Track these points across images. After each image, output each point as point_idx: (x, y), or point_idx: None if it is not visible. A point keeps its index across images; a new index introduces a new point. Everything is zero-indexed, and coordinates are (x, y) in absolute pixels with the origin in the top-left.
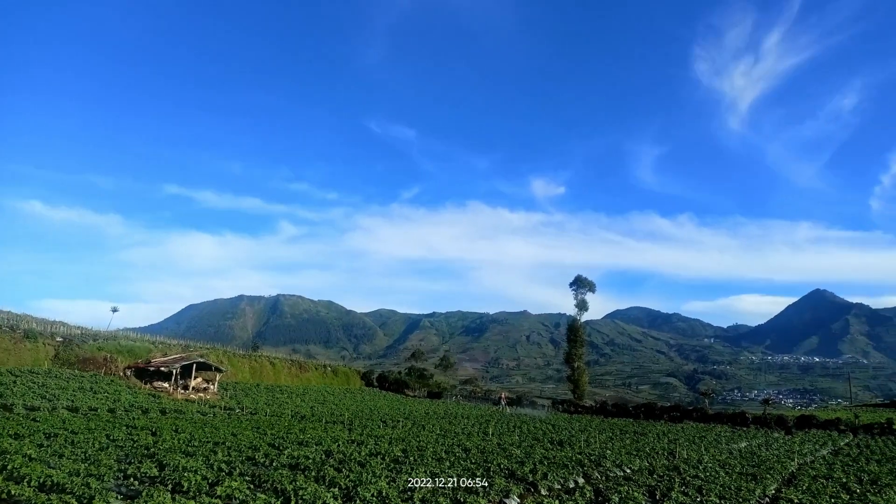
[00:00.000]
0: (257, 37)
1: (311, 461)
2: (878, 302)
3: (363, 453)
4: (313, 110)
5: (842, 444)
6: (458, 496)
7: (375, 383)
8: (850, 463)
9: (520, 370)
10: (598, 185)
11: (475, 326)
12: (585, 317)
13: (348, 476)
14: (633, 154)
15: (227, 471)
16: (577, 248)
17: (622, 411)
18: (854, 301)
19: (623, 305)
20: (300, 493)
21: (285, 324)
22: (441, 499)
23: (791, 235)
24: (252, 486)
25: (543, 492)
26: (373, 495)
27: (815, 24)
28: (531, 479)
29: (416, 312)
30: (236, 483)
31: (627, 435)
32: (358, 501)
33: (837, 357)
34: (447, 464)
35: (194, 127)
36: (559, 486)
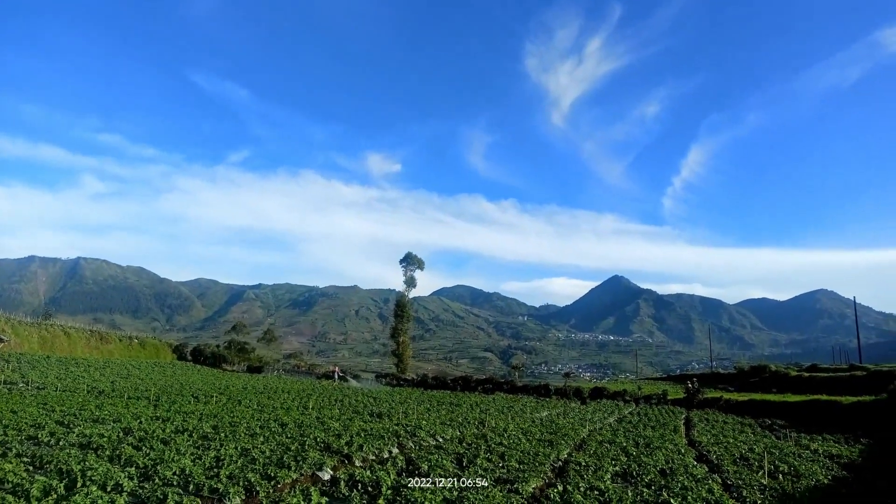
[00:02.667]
0: None
1: (106, 439)
2: (663, 289)
3: (168, 430)
4: (130, 56)
5: (626, 412)
6: (269, 471)
7: (189, 357)
8: (631, 429)
9: (347, 344)
10: (433, 166)
11: (303, 300)
12: (413, 293)
13: (148, 454)
14: (467, 139)
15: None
16: (410, 226)
17: (441, 384)
18: (644, 287)
19: (449, 283)
20: (89, 473)
21: (86, 290)
22: (250, 474)
23: (597, 226)
24: (32, 468)
25: (358, 463)
26: (174, 473)
27: (631, 36)
28: (346, 452)
29: (240, 283)
30: (10, 465)
31: (444, 406)
32: (157, 480)
33: (629, 336)
34: (261, 439)
35: None
36: (374, 457)
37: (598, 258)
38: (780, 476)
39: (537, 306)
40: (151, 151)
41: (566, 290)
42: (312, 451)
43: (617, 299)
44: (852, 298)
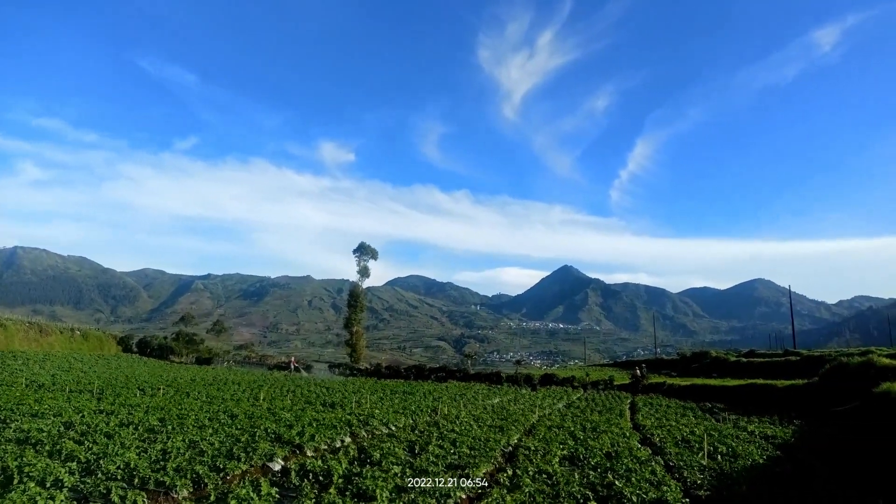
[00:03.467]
0: None
1: (45, 434)
2: (610, 278)
3: (112, 424)
4: (70, 37)
5: (574, 398)
6: (218, 462)
7: (135, 349)
8: (579, 414)
9: (300, 335)
10: (387, 156)
11: (255, 290)
12: (367, 283)
13: (91, 449)
14: (421, 129)
15: None
16: (364, 216)
17: (395, 373)
18: (593, 276)
19: (403, 273)
20: (27, 469)
21: (24, 281)
22: (198, 466)
23: (547, 216)
24: None
25: (310, 453)
26: (118, 467)
27: (580, 30)
28: (298, 442)
29: (189, 274)
30: None
31: (397, 395)
32: (100, 475)
33: (577, 324)
34: (210, 431)
35: None
36: (326, 447)
37: (548, 248)
38: (719, 457)
39: (490, 296)
40: (94, 137)
41: (518, 280)
42: (263, 442)
43: (566, 288)
44: (787, 287)
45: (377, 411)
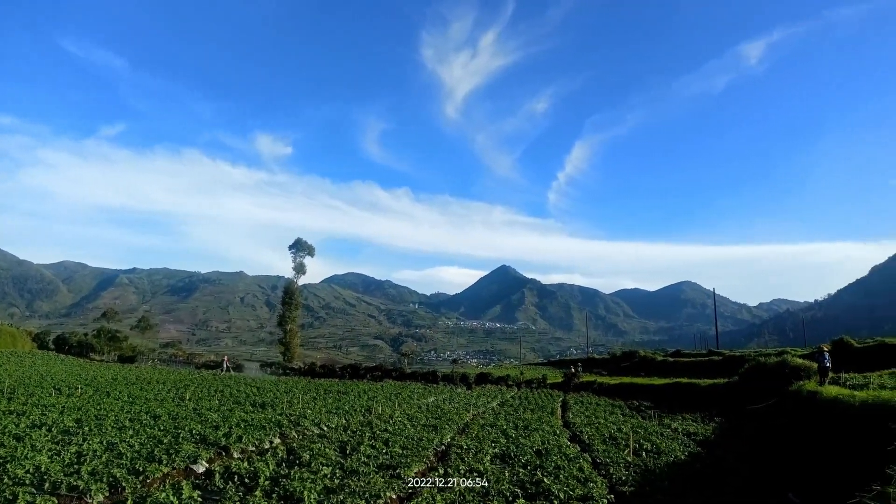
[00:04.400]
0: None
1: None
2: (547, 278)
3: (23, 425)
4: None
5: (508, 396)
6: (138, 465)
7: (52, 346)
8: (512, 412)
9: (231, 333)
10: (328, 150)
11: (183, 286)
12: (303, 280)
13: None
14: (362, 125)
15: None
16: (301, 212)
17: (330, 372)
18: (530, 277)
19: (341, 271)
20: None
21: None
22: (116, 469)
23: (489, 217)
24: None
25: (236, 455)
26: (27, 471)
27: (523, 32)
28: (224, 444)
29: (112, 267)
30: None
31: (331, 394)
32: (6, 479)
33: (514, 323)
34: (130, 432)
35: None
36: (254, 448)
37: (488, 248)
38: (644, 453)
39: (429, 294)
40: (11, 120)
41: (457, 279)
42: (187, 443)
43: (504, 288)
44: (712, 290)
45: (309, 411)
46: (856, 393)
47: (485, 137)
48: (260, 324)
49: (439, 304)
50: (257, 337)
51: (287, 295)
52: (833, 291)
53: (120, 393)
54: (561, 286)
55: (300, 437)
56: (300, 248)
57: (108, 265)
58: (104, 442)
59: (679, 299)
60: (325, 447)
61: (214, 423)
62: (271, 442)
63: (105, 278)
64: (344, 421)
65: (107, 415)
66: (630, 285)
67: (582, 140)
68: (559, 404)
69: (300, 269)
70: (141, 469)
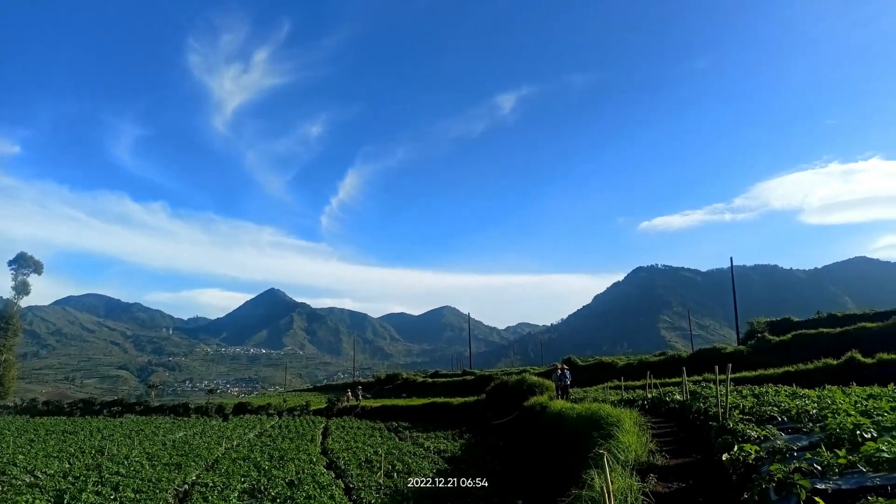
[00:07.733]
0: None
1: None
2: (317, 302)
3: None
4: None
5: (268, 426)
6: None
7: None
8: (269, 443)
9: None
10: (67, 153)
11: None
12: (27, 301)
13: None
14: (112, 128)
15: None
16: (28, 221)
17: (57, 409)
18: (300, 301)
19: (78, 291)
20: None
21: None
22: None
23: (257, 238)
24: None
25: None
26: None
27: (298, 55)
28: None
29: None
30: None
31: (54, 435)
32: None
33: (280, 349)
34: None
35: None
36: None
37: (255, 270)
38: (395, 475)
39: (185, 318)
40: None
41: (220, 303)
42: None
43: (271, 312)
44: (467, 314)
45: (21, 456)
46: (575, 406)
47: (256, 155)
48: None
49: (198, 329)
50: None
51: (3, 320)
52: (565, 316)
53: None
54: (331, 310)
55: (4, 487)
56: (24, 263)
57: None
58: None
59: (440, 323)
60: (35, 498)
61: None
62: None
63: None
64: (67, 465)
65: None
66: (397, 309)
67: (355, 168)
68: (321, 431)
69: (22, 288)
70: None
